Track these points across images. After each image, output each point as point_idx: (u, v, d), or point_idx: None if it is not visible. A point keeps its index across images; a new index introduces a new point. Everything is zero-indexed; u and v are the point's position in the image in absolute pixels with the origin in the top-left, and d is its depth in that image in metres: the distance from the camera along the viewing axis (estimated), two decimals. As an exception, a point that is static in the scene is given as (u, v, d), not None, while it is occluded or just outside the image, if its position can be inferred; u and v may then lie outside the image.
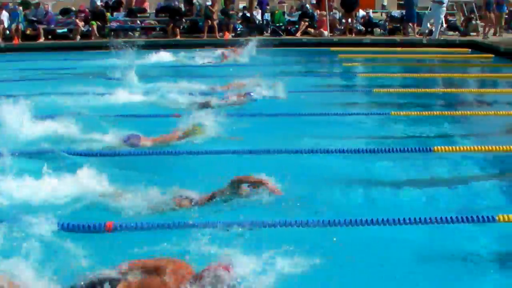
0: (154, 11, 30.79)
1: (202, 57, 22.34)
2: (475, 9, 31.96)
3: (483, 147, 10.26)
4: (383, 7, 34.67)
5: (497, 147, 10.24)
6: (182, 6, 29.98)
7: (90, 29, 27.74)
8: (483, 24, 30.45)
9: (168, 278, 5.05)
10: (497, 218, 7.08)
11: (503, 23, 29.91)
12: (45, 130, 10.78)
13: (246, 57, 22.03)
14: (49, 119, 11.13)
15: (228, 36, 27.91)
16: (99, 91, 14.90)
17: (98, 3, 29.29)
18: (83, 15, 28.76)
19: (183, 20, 29.16)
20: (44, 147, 9.65)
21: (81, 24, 27.87)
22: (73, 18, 28.62)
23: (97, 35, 27.58)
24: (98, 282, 5.09)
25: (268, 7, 31.55)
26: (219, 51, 22.97)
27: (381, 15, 33.89)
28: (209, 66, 21.02)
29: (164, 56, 22.28)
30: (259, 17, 30.51)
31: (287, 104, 13.66)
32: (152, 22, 30.09)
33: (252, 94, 14.00)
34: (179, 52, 23.12)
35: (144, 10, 31.09)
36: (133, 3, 30.74)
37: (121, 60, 18.78)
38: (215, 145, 10.13)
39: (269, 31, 29.62)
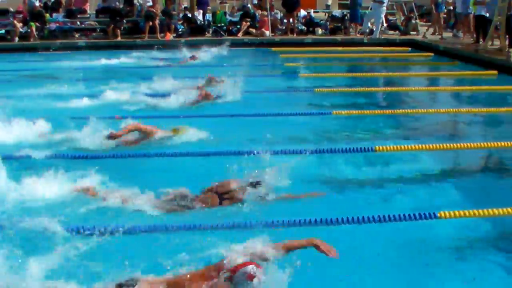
0: (94, 12, 30.41)
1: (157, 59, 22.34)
2: (414, 9, 32.37)
3: (424, 146, 10.37)
4: (328, 7, 34.83)
5: (438, 145, 10.36)
6: (122, 6, 29.65)
7: (29, 30, 27.17)
8: (421, 23, 30.88)
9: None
10: (438, 215, 7.17)
11: (442, 23, 30.31)
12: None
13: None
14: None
15: (170, 36, 27.71)
16: (43, 92, 14.77)
17: (37, 4, 28.75)
18: (21, 16, 28.19)
19: (124, 21, 28.82)
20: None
21: (19, 25, 27.28)
22: (11, 19, 28.02)
23: (36, 36, 27.07)
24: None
25: (209, 7, 31.46)
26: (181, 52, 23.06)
27: (325, 15, 34.03)
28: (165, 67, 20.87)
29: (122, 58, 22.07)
30: (200, 17, 30.36)
31: (230, 105, 13.64)
32: (92, 23, 29.66)
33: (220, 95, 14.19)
34: (134, 53, 22.90)
35: (84, 11, 30.66)
36: (73, 4, 30.28)
37: (63, 61, 18.59)
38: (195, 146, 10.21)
39: (210, 32, 29.50)
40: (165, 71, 16.92)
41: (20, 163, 8.77)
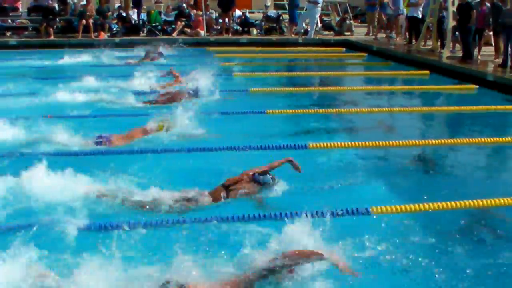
0: (26, 10, 29.86)
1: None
2: (349, 10, 32.69)
3: (356, 143, 10.52)
4: (266, 7, 34.83)
5: (371, 142, 10.50)
6: (56, 5, 29.14)
7: (-41, 28, 26.63)
8: (356, 23, 31.23)
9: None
10: (371, 210, 7.29)
11: (375, 23, 30.69)
12: None
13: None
14: None
15: (104, 36, 27.37)
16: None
17: (-34, 1, 28.19)
18: (-50, 14, 27.61)
19: (57, 19, 28.35)
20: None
21: None
22: None
23: (-34, 34, 26.50)
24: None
25: (144, 7, 31.20)
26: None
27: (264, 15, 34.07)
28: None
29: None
30: (135, 16, 30.12)
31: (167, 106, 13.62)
32: (24, 21, 29.13)
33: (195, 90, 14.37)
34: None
35: (16, 9, 30.11)
36: (4, 2, 29.66)
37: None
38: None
39: (145, 31, 29.25)
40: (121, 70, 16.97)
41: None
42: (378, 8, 29.49)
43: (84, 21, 27.00)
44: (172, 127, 10.83)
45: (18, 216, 7.01)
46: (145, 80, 15.95)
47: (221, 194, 7.81)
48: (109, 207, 7.46)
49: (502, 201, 7.92)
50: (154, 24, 29.50)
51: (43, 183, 7.75)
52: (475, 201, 7.85)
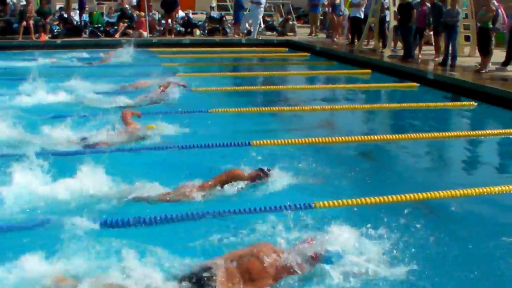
0: (-35, 11, 29.33)
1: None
2: (292, 11, 32.91)
3: (299, 140, 10.61)
4: (212, 8, 34.80)
5: (313, 139, 10.63)
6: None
7: None
8: (299, 24, 31.43)
9: (264, 259, 5.54)
10: (313, 204, 7.40)
11: (318, 24, 30.99)
12: None
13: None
14: None
15: (45, 37, 26.98)
16: None
17: None
18: None
19: (-4, 20, 27.93)
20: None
21: None
22: None
23: None
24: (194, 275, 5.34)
25: (86, 7, 30.90)
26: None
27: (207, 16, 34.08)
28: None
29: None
30: (77, 18, 29.82)
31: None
32: (-38, 22, 28.62)
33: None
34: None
35: (-46, 11, 29.55)
36: None
37: None
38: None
39: (87, 33, 28.93)
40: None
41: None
42: (329, 10, 29.67)
43: (24, 22, 26.52)
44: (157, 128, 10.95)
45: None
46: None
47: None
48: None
49: (442, 193, 8.09)
50: (96, 26, 29.22)
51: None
52: (415, 194, 8.03)
